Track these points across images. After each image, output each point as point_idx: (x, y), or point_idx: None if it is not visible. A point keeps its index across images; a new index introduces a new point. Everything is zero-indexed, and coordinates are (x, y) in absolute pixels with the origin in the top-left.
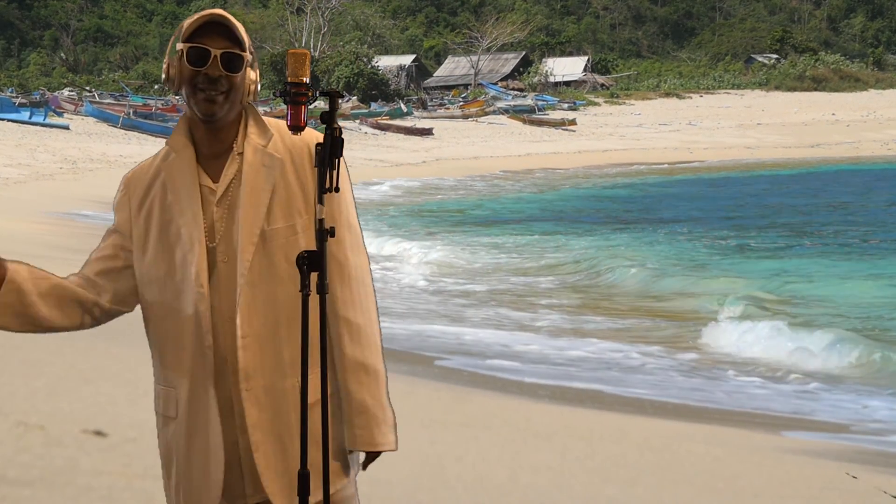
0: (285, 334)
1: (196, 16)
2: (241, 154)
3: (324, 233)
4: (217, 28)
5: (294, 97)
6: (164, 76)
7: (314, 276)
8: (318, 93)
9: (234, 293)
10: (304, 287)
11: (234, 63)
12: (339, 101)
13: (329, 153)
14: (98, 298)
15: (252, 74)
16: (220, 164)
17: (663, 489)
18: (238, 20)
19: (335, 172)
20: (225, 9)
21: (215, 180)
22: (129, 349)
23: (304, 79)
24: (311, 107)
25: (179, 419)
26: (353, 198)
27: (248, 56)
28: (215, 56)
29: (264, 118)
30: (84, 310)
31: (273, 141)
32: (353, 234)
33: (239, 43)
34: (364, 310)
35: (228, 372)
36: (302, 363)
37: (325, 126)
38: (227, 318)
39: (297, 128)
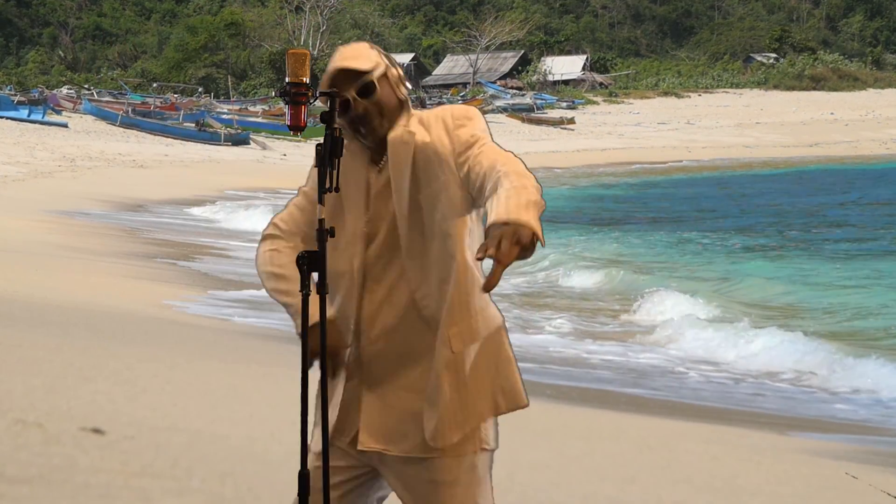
0: (444, 290)
1: (325, 75)
2: (405, 136)
3: (324, 233)
4: (342, 74)
5: (294, 97)
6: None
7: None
8: (317, 93)
9: (385, 262)
10: (304, 287)
11: (369, 89)
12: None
13: (329, 153)
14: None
15: (393, 72)
16: (383, 148)
17: (661, 488)
18: (238, 18)
19: (335, 172)
20: (224, 7)
21: (379, 164)
22: (127, 347)
23: (304, 79)
24: (310, 106)
25: None
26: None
27: (378, 69)
28: (353, 98)
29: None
30: None
31: (424, 125)
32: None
33: (364, 70)
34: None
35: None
36: (302, 359)
37: (324, 126)
38: (383, 283)
39: (296, 128)
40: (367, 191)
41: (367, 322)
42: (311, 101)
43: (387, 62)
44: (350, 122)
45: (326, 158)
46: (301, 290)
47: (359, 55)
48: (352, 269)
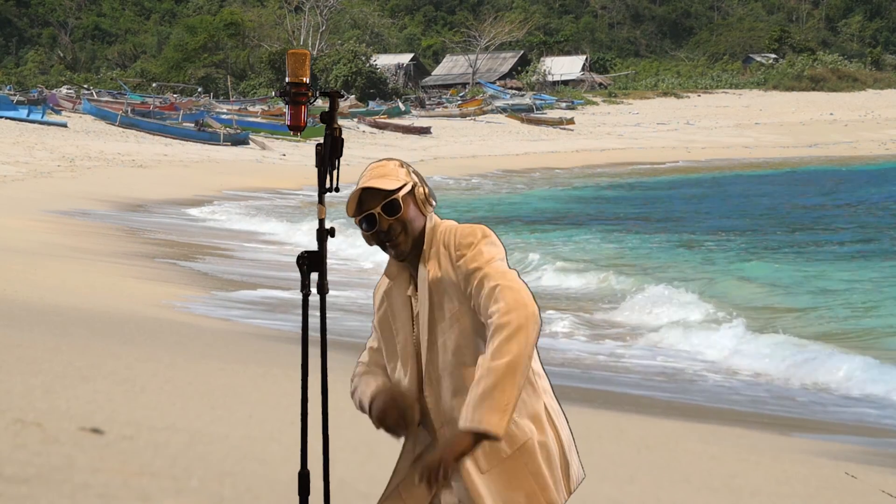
0: (468, 372)
1: (351, 195)
2: (427, 261)
3: (324, 233)
4: (369, 192)
5: (294, 97)
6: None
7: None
8: (317, 93)
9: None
10: (305, 287)
11: (394, 208)
12: (339, 100)
13: (329, 153)
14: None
15: (420, 190)
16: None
17: (660, 488)
18: (237, 18)
19: (336, 172)
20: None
21: (416, 287)
22: (126, 347)
23: (304, 79)
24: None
25: None
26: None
27: (405, 189)
28: (378, 214)
29: (440, 227)
30: None
31: (436, 244)
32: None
33: (390, 189)
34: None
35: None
36: (302, 365)
37: (325, 126)
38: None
39: (296, 128)
40: (410, 312)
41: (432, 416)
42: (311, 100)
43: (415, 179)
44: (376, 237)
45: (326, 158)
46: (301, 290)
47: (386, 174)
48: (408, 377)
